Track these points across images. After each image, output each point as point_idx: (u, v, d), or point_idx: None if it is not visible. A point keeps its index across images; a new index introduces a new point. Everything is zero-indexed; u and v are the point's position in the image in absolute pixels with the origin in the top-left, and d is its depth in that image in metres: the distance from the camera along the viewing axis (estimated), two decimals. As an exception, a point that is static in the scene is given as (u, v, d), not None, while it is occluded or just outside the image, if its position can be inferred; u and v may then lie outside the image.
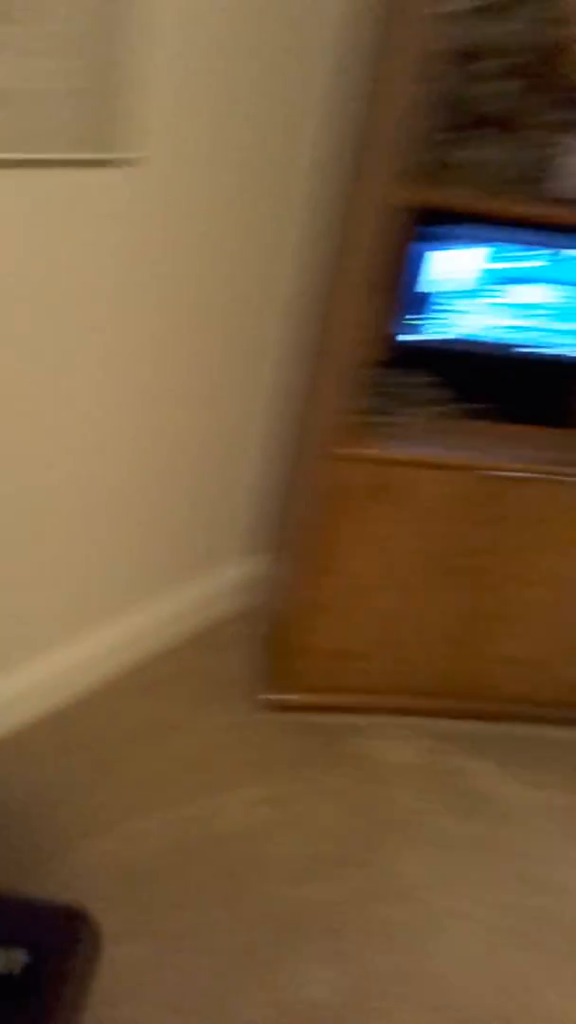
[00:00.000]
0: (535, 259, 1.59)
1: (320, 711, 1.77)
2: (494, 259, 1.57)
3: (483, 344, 1.64)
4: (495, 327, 1.63)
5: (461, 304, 1.61)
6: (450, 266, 1.56)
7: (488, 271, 1.58)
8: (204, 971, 1.26)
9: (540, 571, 1.65)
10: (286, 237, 1.68)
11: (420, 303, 1.60)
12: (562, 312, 1.66)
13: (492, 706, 1.82)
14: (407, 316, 1.60)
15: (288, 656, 1.70)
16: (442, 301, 1.60)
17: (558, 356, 1.68)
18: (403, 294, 1.58)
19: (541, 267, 1.60)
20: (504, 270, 1.58)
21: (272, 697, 1.73)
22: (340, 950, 1.33)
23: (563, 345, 1.68)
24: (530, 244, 1.56)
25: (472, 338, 1.64)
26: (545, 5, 1.35)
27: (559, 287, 1.62)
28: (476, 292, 1.60)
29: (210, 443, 1.78)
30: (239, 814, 1.52)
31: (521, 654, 1.75)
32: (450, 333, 1.63)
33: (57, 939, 0.61)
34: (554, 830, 1.63)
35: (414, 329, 1.61)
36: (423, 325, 1.61)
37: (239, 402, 1.80)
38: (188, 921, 1.33)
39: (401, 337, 1.61)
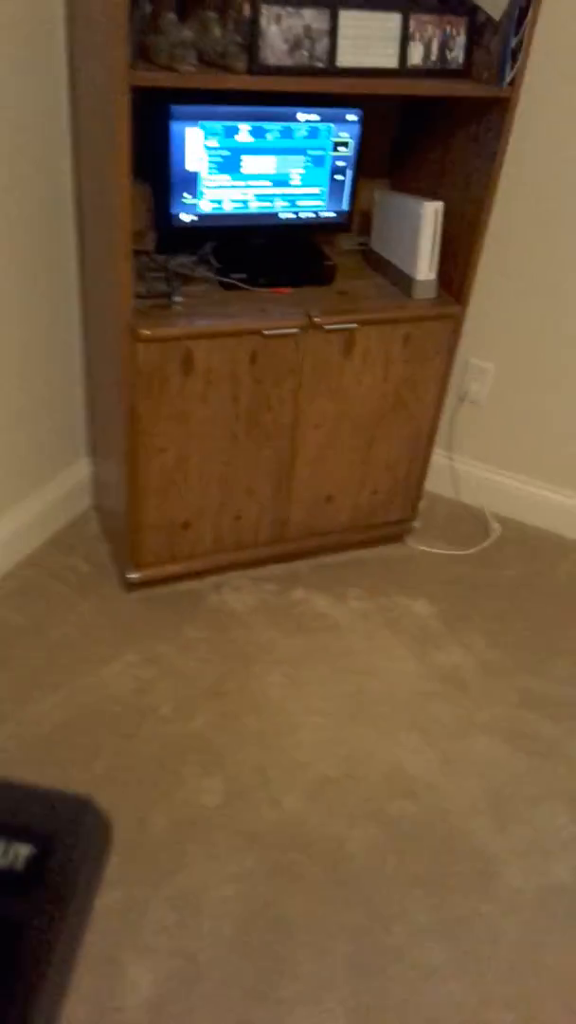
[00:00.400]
0: (269, 132, 1.76)
1: (171, 581, 2.04)
2: (229, 135, 1.73)
3: (236, 217, 1.83)
4: (242, 201, 1.81)
5: (213, 181, 1.77)
6: (199, 146, 1.71)
7: (230, 147, 1.74)
8: (113, 808, 1.57)
9: (318, 414, 1.93)
10: (54, 133, 1.75)
11: (186, 183, 1.74)
12: (296, 178, 1.86)
13: (306, 543, 2.14)
14: (176, 197, 1.75)
15: (131, 536, 1.92)
16: (198, 181, 1.75)
17: (301, 220, 1.90)
18: (167, 175, 1.72)
19: (275, 139, 1.77)
20: (241, 145, 1.75)
21: (129, 576, 1.97)
22: (221, 762, 1.67)
23: (304, 209, 1.88)
24: (258, 118, 1.73)
25: (230, 213, 1.82)
26: None
27: (290, 156, 1.81)
28: (222, 169, 1.76)
29: (30, 354, 1.90)
30: (120, 679, 1.80)
31: (318, 491, 2.06)
32: (210, 210, 1.80)
33: (63, 830, 0.55)
34: (364, 628, 2.02)
35: (184, 209, 1.76)
36: (189, 206, 1.77)
37: (48, 309, 1.90)
38: (92, 772, 1.62)
39: (176, 218, 1.77)
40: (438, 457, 2.48)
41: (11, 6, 1.55)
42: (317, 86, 1.57)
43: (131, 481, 1.82)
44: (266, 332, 1.76)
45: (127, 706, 1.75)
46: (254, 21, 1.49)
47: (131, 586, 2.01)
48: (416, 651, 1.97)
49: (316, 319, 1.79)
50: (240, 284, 1.86)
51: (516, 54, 1.67)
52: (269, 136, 1.77)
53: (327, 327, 1.81)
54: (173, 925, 1.40)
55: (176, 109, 1.67)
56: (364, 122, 1.92)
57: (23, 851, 0.54)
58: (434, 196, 1.90)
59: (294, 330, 1.78)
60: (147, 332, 1.66)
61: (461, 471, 2.48)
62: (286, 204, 1.87)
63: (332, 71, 1.59)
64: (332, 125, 1.82)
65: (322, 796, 1.63)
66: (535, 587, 2.21)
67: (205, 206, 1.80)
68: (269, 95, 1.71)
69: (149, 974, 1.33)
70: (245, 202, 1.83)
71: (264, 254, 1.93)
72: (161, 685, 1.80)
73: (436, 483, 2.51)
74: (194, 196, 1.78)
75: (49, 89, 1.70)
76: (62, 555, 2.09)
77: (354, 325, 1.83)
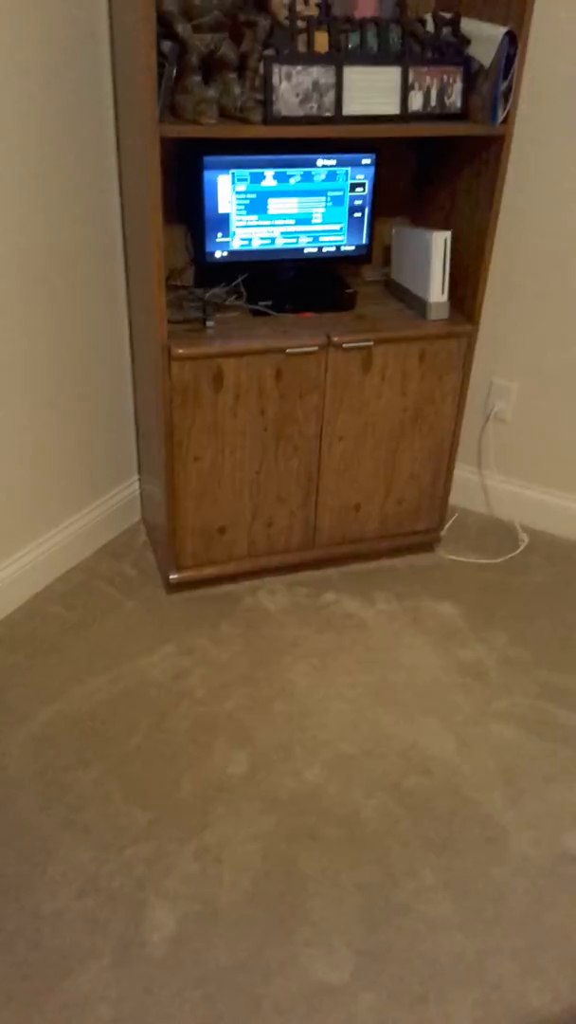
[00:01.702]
0: (291, 176, 1.99)
1: (209, 584, 2.21)
2: (256, 180, 1.96)
3: (263, 252, 2.06)
4: (269, 238, 2.04)
5: (243, 222, 2.00)
6: (229, 191, 1.95)
7: (257, 191, 1.97)
8: (145, 775, 1.71)
9: (342, 427, 2.10)
10: (106, 184, 2.02)
11: (218, 224, 1.98)
12: (318, 217, 2.07)
13: (337, 550, 2.29)
14: (210, 236, 1.99)
15: (172, 539, 2.11)
16: (230, 221, 1.98)
17: (323, 253, 2.12)
18: (201, 218, 1.96)
19: (297, 182, 2.00)
20: (267, 189, 1.98)
21: (170, 578, 2.15)
22: (248, 738, 1.80)
23: (326, 244, 2.10)
24: (281, 164, 1.97)
25: (258, 249, 2.05)
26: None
27: (311, 197, 2.03)
28: (250, 210, 1.99)
29: (88, 379, 2.14)
30: (158, 667, 1.97)
31: (346, 500, 2.22)
32: (240, 247, 2.03)
33: None
34: (390, 627, 2.14)
35: (218, 247, 2.00)
36: (222, 243, 2.00)
37: (102, 336, 2.15)
38: (130, 744, 1.77)
39: (210, 255, 2.01)
40: (468, 473, 2.61)
41: (68, 75, 1.83)
42: (324, 132, 1.79)
43: (170, 487, 2.02)
44: (289, 350, 1.96)
45: (164, 690, 1.91)
46: (267, 79, 1.73)
47: (173, 587, 2.19)
48: (439, 647, 2.07)
49: (335, 338, 1.98)
50: (267, 310, 2.07)
51: (507, 95, 1.87)
52: (292, 180, 2.01)
53: (345, 345, 1.99)
54: (196, 875, 1.52)
55: (208, 159, 1.92)
56: (380, 165, 2.14)
57: None
58: (445, 228, 2.09)
59: (314, 348, 1.97)
60: (181, 351, 1.87)
61: (490, 486, 2.60)
62: (309, 240, 2.09)
63: (339, 119, 1.81)
64: (348, 168, 2.04)
65: (341, 770, 1.74)
66: (561, 592, 2.29)
67: (236, 243, 2.03)
68: (291, 144, 1.95)
69: (172, 915, 1.46)
70: (272, 239, 2.06)
71: (290, 284, 2.15)
72: (196, 672, 1.96)
73: (467, 498, 2.63)
74: (226, 235, 2.01)
75: (100, 143, 1.98)
76: (111, 561, 2.30)
77: (370, 343, 2.01)
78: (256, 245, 2.05)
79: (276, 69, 1.73)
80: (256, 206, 2.00)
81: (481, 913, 1.48)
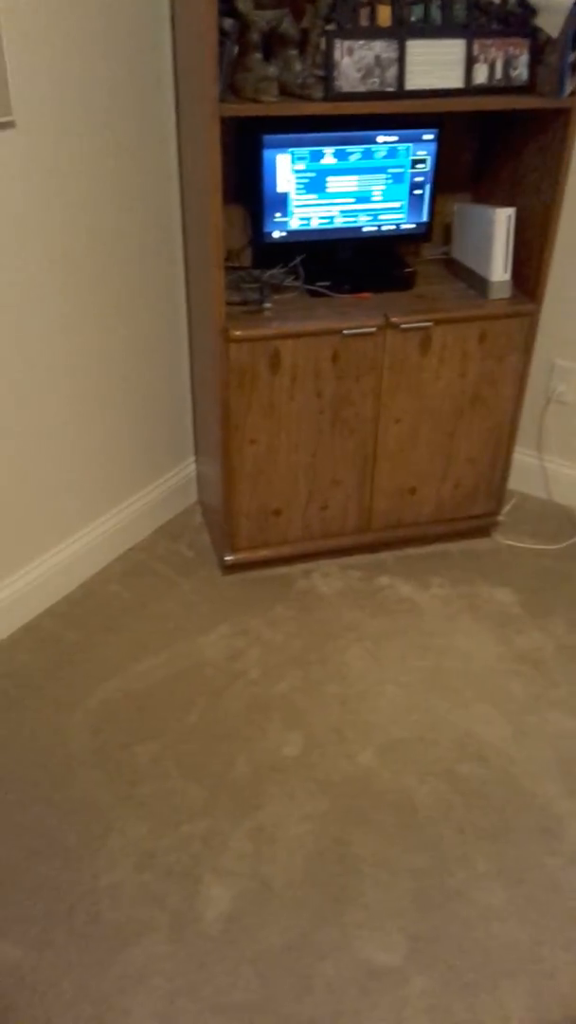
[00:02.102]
0: (351, 154, 1.96)
1: (264, 565, 2.22)
2: (315, 159, 1.94)
3: (322, 232, 2.04)
4: (328, 217, 2.01)
5: (302, 201, 1.98)
6: (288, 170, 1.93)
7: (316, 170, 1.95)
8: (201, 753, 1.74)
9: (399, 409, 2.07)
10: (165, 164, 2.02)
11: (277, 204, 1.97)
12: (378, 195, 2.04)
13: (391, 534, 2.27)
14: (269, 216, 1.97)
15: (227, 521, 2.12)
16: (288, 201, 1.97)
17: (383, 232, 2.08)
18: (260, 197, 1.95)
19: (357, 160, 1.96)
20: (326, 167, 1.95)
21: (225, 559, 2.16)
22: (302, 720, 1.81)
23: (385, 222, 2.07)
24: (341, 142, 1.94)
25: (317, 228, 2.03)
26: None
27: (372, 174, 2.00)
28: (309, 189, 1.97)
29: (148, 363, 2.16)
30: (214, 647, 1.99)
31: (401, 483, 2.20)
32: (299, 227, 2.01)
33: None
34: (445, 612, 2.12)
35: (276, 227, 1.98)
36: (280, 223, 1.98)
37: (161, 320, 2.16)
38: (186, 722, 1.80)
39: (268, 235, 2.00)
40: (528, 457, 2.56)
41: (129, 54, 1.82)
42: (386, 108, 1.76)
43: (226, 469, 2.03)
44: (346, 331, 1.94)
45: (219, 669, 1.93)
46: (328, 55, 1.70)
47: (228, 569, 2.20)
48: (496, 634, 2.05)
49: (393, 319, 1.96)
50: (325, 291, 2.05)
51: (575, 67, 1.80)
52: (352, 158, 1.97)
53: (403, 326, 1.97)
54: (250, 853, 1.54)
55: (267, 138, 1.90)
56: (442, 141, 2.09)
57: None
58: (509, 205, 2.03)
59: (371, 329, 1.95)
60: (238, 333, 1.87)
61: (551, 471, 2.54)
62: (369, 218, 2.06)
63: (401, 94, 1.77)
64: (410, 145, 2.00)
65: (394, 754, 1.74)
66: (622, 579, 2.24)
67: (295, 223, 2.01)
68: (352, 121, 1.92)
69: (226, 892, 1.48)
70: (331, 218, 2.03)
71: (348, 264, 2.12)
72: (251, 653, 1.97)
73: (526, 483, 2.58)
74: (284, 215, 2.00)
75: (160, 123, 1.97)
76: (168, 542, 2.32)
77: (430, 324, 1.98)
78: (315, 225, 2.03)
79: (338, 44, 1.70)
80: (315, 185, 1.98)
81: (535, 902, 1.47)
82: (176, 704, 1.84)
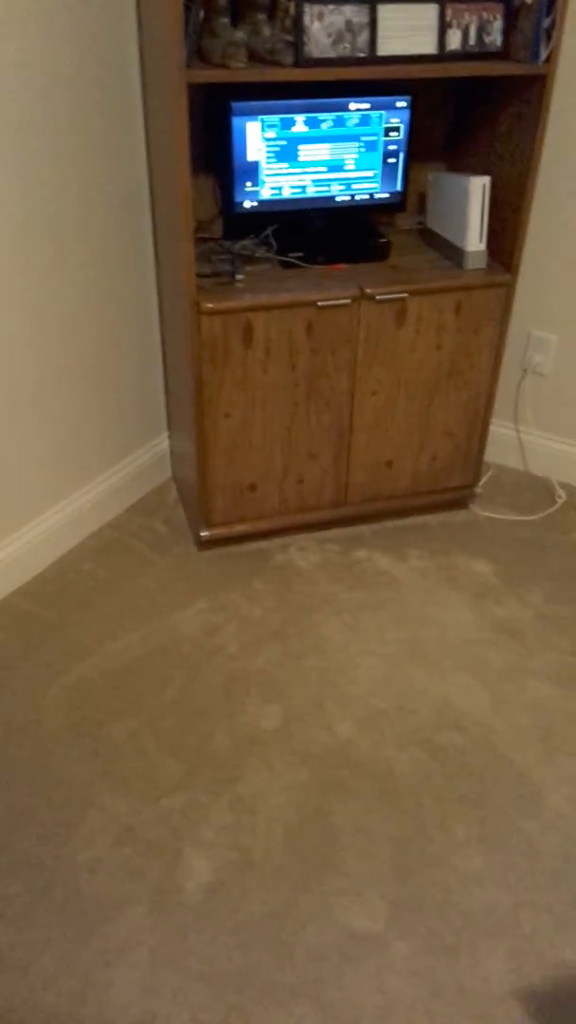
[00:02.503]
0: (323, 122, 1.93)
1: (240, 541, 2.21)
2: (286, 127, 1.91)
3: (294, 202, 2.01)
4: (300, 186, 1.99)
5: (273, 170, 1.95)
6: (259, 138, 1.90)
7: (287, 138, 1.92)
8: (179, 728, 1.73)
9: (375, 382, 2.06)
10: (131, 132, 1.98)
11: (247, 173, 1.94)
12: (351, 163, 2.02)
13: (369, 507, 2.27)
14: (239, 186, 1.94)
15: (202, 496, 2.10)
16: (259, 170, 1.94)
17: (356, 201, 2.06)
18: (230, 166, 1.92)
19: (328, 128, 1.94)
20: (297, 135, 1.93)
21: (201, 535, 2.15)
22: (281, 693, 1.81)
23: (359, 192, 2.04)
24: (312, 109, 1.91)
25: (289, 198, 2.00)
26: None
27: (344, 143, 1.97)
28: (280, 158, 1.94)
29: (116, 335, 2.12)
30: (190, 623, 1.98)
31: (378, 456, 2.19)
32: (270, 197, 1.98)
33: None
34: (423, 584, 2.12)
35: (247, 197, 1.95)
36: (251, 193, 1.95)
37: (129, 291, 2.13)
38: (164, 698, 1.79)
39: (239, 206, 1.97)
40: (504, 429, 2.56)
41: (90, 18, 1.78)
42: (358, 74, 1.73)
43: (200, 444, 2.01)
44: (320, 303, 1.92)
45: (197, 645, 1.92)
46: (298, 19, 1.67)
47: (204, 544, 2.19)
48: (473, 604, 2.06)
49: (367, 290, 1.94)
50: (298, 262, 2.03)
51: (550, 32, 1.78)
52: (323, 125, 1.94)
53: (378, 297, 1.95)
54: (230, 825, 1.54)
55: (236, 105, 1.86)
56: (416, 109, 2.06)
57: None
58: (484, 174, 2.02)
59: (346, 301, 1.93)
60: (210, 305, 1.84)
61: (527, 442, 2.54)
62: (342, 188, 2.03)
63: (373, 60, 1.74)
64: (383, 112, 1.97)
65: (374, 725, 1.74)
66: (597, 550, 2.25)
67: (266, 193, 1.98)
68: (322, 87, 1.89)
69: (207, 863, 1.48)
70: (303, 187, 2.00)
71: (321, 234, 2.10)
72: (228, 628, 1.96)
73: (503, 455, 2.59)
74: (255, 184, 1.97)
75: (125, 93, 1.93)
76: (143, 519, 2.30)
77: (404, 295, 1.96)
78: (286, 194, 2.00)
79: (307, 9, 1.66)
80: (286, 153, 1.95)
81: (514, 867, 1.49)
82: (153, 681, 1.83)
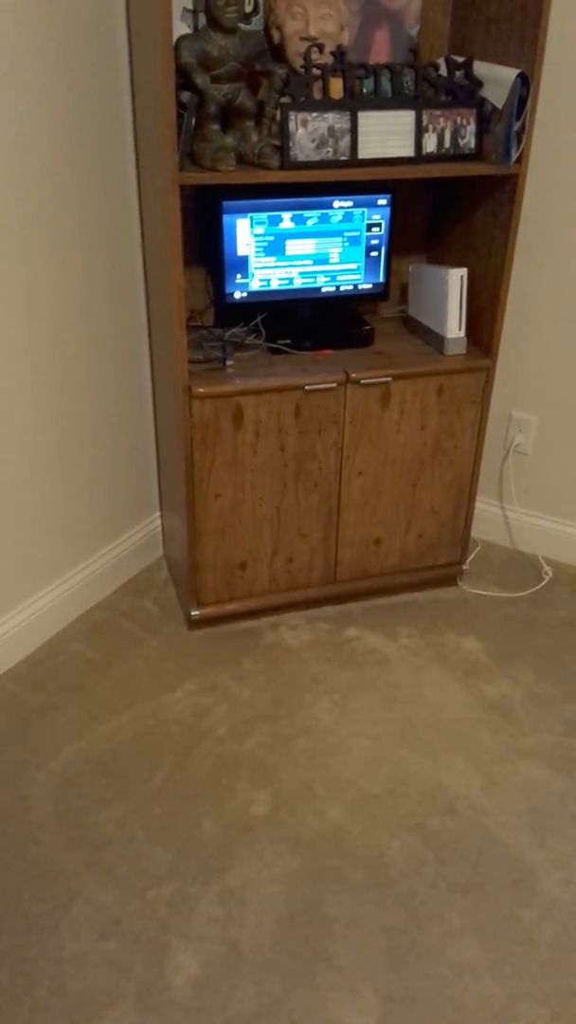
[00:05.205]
0: (309, 219, 2.02)
1: (231, 620, 2.21)
2: (274, 223, 2.01)
3: (282, 292, 2.10)
4: (288, 278, 2.07)
5: (262, 263, 2.04)
6: (248, 234, 1.99)
7: (275, 233, 2.01)
8: (168, 815, 1.70)
9: (361, 462, 2.11)
10: (128, 227, 2.06)
11: (237, 266, 2.02)
12: (335, 257, 2.11)
13: (358, 585, 2.28)
14: (230, 278, 2.03)
15: (193, 576, 2.12)
16: (248, 263, 2.02)
17: (341, 292, 2.15)
18: (221, 260, 2.00)
19: (314, 224, 2.03)
20: (285, 231, 2.02)
21: (192, 614, 2.15)
22: (270, 777, 1.79)
23: (343, 283, 2.13)
24: (298, 207, 2.01)
25: (277, 289, 2.08)
26: (264, 15, 1.77)
27: (329, 238, 2.07)
28: (268, 252, 2.03)
29: (110, 417, 2.17)
30: (180, 704, 1.97)
31: (366, 535, 2.22)
32: (259, 288, 2.06)
33: None
34: (413, 663, 2.12)
35: (237, 288, 2.03)
36: (241, 284, 2.03)
37: (124, 377, 2.18)
38: (152, 783, 1.77)
39: (230, 296, 2.05)
40: (490, 507, 2.60)
41: (92, 124, 1.88)
42: (340, 176, 1.83)
43: (191, 523, 2.04)
44: (307, 387, 1.98)
45: (186, 728, 1.90)
46: (283, 126, 1.77)
47: (194, 624, 2.19)
48: (464, 683, 2.06)
49: (353, 374, 2.00)
50: (286, 348, 2.10)
51: (520, 136, 1.89)
52: (309, 222, 2.04)
53: (363, 381, 2.01)
54: (220, 917, 1.51)
55: (227, 204, 1.96)
56: (396, 206, 2.17)
57: None
58: (461, 265, 2.11)
59: (332, 385, 1.99)
60: (201, 390, 1.90)
61: (513, 519, 2.58)
62: (327, 279, 2.12)
63: (354, 163, 1.84)
64: (365, 209, 2.08)
65: (365, 810, 1.72)
66: (585, 626, 2.27)
67: (255, 284, 2.07)
68: (308, 187, 1.99)
69: (195, 958, 1.44)
70: (290, 279, 2.09)
71: (308, 322, 2.17)
72: (218, 710, 1.95)
73: (490, 532, 2.62)
74: (245, 276, 2.05)
75: (122, 194, 2.03)
76: (133, 598, 2.31)
77: (388, 379, 2.03)
78: (275, 285, 2.08)
79: (292, 116, 1.77)
80: (274, 248, 2.04)
81: (510, 957, 1.45)
82: (141, 765, 1.81)
